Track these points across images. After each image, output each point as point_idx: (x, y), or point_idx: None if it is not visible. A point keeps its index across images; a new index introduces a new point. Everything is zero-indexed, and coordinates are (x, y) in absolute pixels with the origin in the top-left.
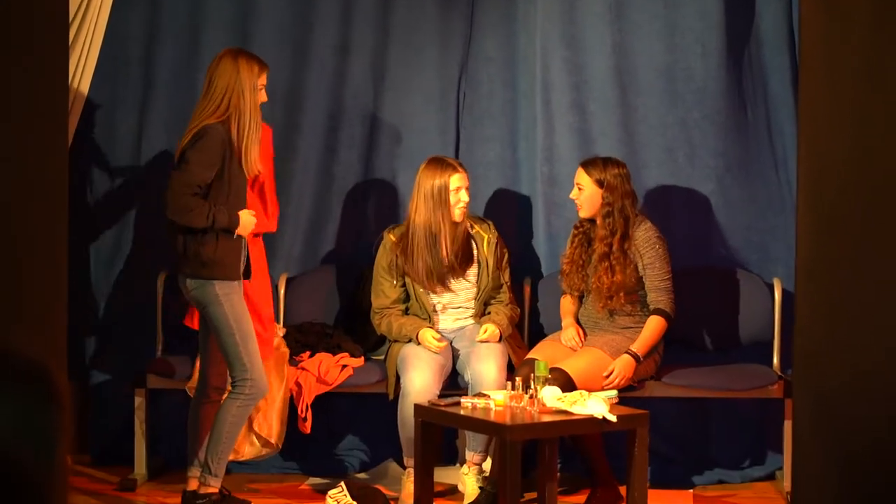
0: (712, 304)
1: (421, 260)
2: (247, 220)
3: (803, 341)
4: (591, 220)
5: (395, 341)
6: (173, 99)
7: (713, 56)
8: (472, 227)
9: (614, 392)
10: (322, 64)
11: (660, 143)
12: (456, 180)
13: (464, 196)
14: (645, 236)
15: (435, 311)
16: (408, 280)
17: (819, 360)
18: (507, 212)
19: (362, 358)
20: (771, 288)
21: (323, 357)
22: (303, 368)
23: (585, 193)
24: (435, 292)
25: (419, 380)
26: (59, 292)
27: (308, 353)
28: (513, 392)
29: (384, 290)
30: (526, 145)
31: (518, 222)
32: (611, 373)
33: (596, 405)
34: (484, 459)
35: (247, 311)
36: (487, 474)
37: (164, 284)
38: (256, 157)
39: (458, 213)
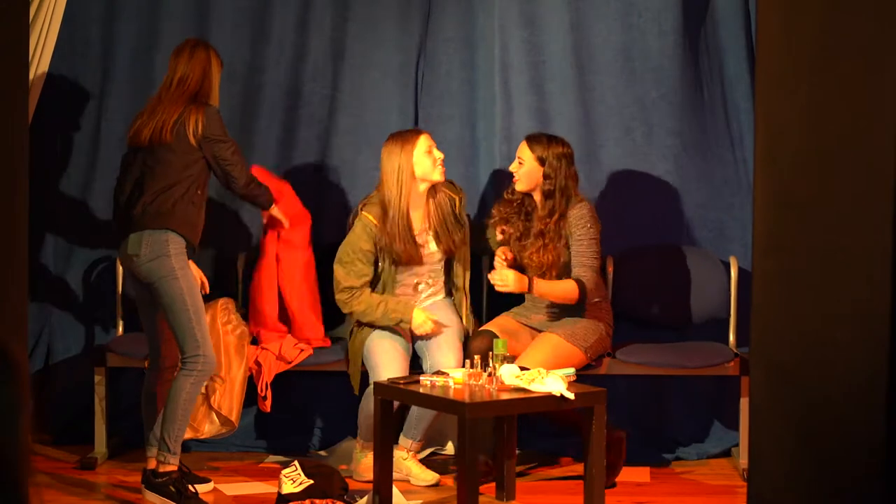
0: (668, 282)
1: (399, 238)
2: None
3: (760, 315)
4: (527, 194)
5: (366, 325)
6: (133, 79)
7: (670, 35)
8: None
9: (572, 370)
10: (280, 42)
11: (617, 123)
12: (424, 142)
13: (437, 153)
14: (578, 213)
15: (414, 289)
16: (382, 259)
17: (775, 334)
18: (466, 190)
19: (328, 340)
20: (727, 266)
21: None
22: (263, 348)
23: (525, 168)
24: (418, 263)
25: (389, 373)
26: (19, 271)
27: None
28: (471, 370)
29: (359, 271)
30: (484, 125)
31: (476, 201)
32: (504, 276)
33: (554, 383)
34: (420, 447)
35: (198, 286)
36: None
37: None
38: None
39: (439, 173)
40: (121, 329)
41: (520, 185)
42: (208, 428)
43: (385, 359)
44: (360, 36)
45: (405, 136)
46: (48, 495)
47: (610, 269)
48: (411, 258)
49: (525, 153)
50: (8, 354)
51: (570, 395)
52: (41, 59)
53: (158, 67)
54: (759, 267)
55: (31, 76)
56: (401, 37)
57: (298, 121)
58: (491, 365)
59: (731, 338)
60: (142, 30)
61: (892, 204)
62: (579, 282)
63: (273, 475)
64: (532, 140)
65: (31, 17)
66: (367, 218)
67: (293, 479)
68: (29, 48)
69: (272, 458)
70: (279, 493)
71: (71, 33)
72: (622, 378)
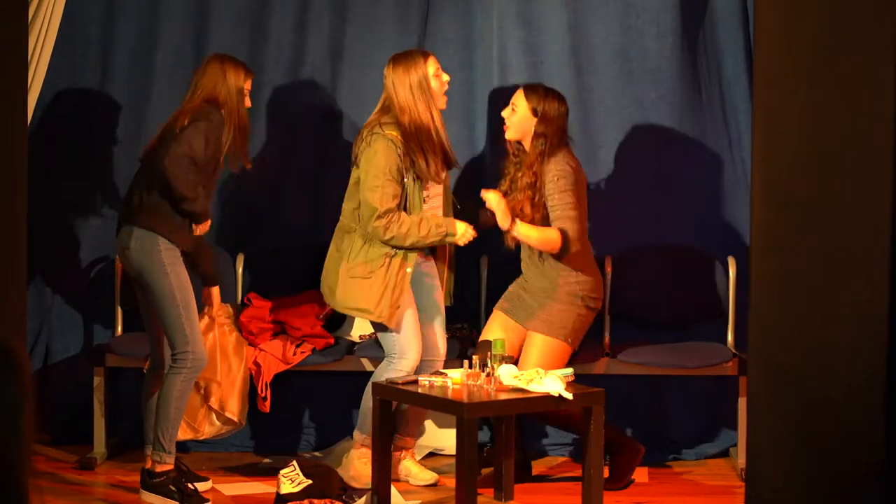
0: (667, 282)
1: (427, 154)
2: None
3: (759, 316)
4: (519, 143)
5: (404, 249)
6: (132, 79)
7: (668, 36)
8: None
9: (570, 370)
10: (279, 42)
11: (615, 123)
12: (432, 63)
13: (445, 77)
14: (549, 168)
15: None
16: (407, 178)
17: (774, 334)
18: (464, 190)
19: (332, 338)
20: (726, 266)
21: (282, 338)
22: (262, 350)
23: (517, 116)
24: (438, 182)
25: (415, 352)
26: (19, 271)
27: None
28: (470, 370)
29: (393, 191)
30: (483, 125)
31: (474, 200)
32: (498, 201)
33: (552, 383)
34: (413, 444)
35: (189, 281)
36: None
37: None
38: (236, 154)
39: (443, 101)
40: (120, 329)
41: (509, 133)
42: (208, 429)
43: (416, 332)
44: (359, 36)
45: (413, 56)
46: (46, 496)
47: (609, 269)
48: (433, 175)
49: (520, 101)
50: (11, 353)
51: (569, 395)
52: (41, 59)
53: (158, 67)
54: (758, 267)
55: (31, 76)
56: (399, 37)
57: (298, 121)
58: (489, 365)
59: (730, 338)
60: (142, 30)
61: (891, 204)
62: (563, 231)
63: (271, 475)
64: (529, 90)
65: (30, 16)
66: (392, 135)
67: (292, 480)
68: (28, 48)
69: (271, 457)
70: (277, 493)
71: (71, 33)
72: (621, 378)
